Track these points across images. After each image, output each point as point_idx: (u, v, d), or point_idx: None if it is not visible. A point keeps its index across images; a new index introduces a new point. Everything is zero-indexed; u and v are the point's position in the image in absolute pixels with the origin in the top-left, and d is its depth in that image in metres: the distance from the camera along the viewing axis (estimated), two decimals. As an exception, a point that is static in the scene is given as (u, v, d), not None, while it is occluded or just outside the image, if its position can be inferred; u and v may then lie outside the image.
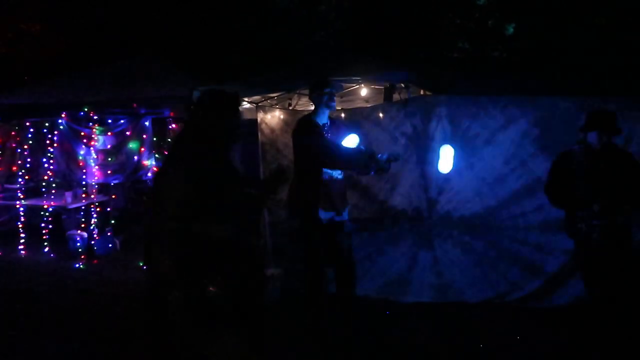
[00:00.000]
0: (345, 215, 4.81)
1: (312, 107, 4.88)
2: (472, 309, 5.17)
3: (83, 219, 8.00)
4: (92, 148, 7.67)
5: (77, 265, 7.21)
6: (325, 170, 4.68)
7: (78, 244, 7.66)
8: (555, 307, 5.06)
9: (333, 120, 4.88)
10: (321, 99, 4.67)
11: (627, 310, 4.13)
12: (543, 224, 5.15)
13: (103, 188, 8.31)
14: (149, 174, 7.96)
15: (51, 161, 7.87)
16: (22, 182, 8.08)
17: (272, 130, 6.50)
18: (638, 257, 4.25)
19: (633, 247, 4.16)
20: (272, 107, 6.68)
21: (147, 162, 7.88)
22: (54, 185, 7.92)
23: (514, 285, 5.28)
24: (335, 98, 4.78)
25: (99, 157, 7.78)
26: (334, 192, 4.70)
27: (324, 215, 4.74)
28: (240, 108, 3.02)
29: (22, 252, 7.78)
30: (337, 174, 4.73)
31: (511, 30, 13.71)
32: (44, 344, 4.68)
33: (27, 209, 8.01)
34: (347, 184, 4.92)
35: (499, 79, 6.63)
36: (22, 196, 8.02)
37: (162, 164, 3.04)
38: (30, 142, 8.02)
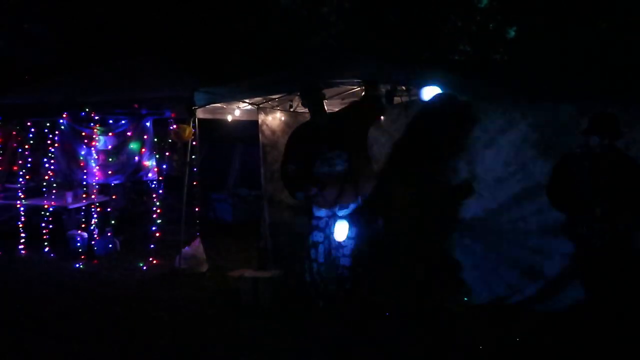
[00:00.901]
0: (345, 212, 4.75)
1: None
2: (471, 312, 5.17)
3: (83, 219, 8.01)
4: (93, 148, 7.67)
5: (77, 266, 7.22)
6: (322, 165, 4.70)
7: (78, 244, 7.67)
8: (555, 311, 5.04)
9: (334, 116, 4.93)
10: (309, 105, 4.80)
11: (627, 314, 4.13)
12: (543, 228, 5.14)
13: (104, 188, 8.31)
14: (150, 175, 7.96)
15: (52, 161, 7.88)
16: (22, 182, 8.09)
17: (273, 131, 6.51)
18: (638, 261, 4.25)
19: (633, 251, 4.16)
20: (273, 109, 6.69)
21: (147, 163, 7.86)
22: (54, 185, 7.92)
23: (514, 288, 5.27)
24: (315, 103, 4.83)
25: (100, 158, 7.78)
26: (329, 188, 4.69)
27: (317, 212, 4.74)
28: (470, 116, 2.96)
29: (23, 251, 7.80)
30: (338, 169, 4.71)
31: (512, 33, 13.70)
32: (44, 344, 4.69)
33: (28, 208, 8.02)
34: (352, 180, 4.72)
35: (500, 82, 6.63)
36: (22, 196, 8.03)
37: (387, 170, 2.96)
38: (31, 142, 8.03)
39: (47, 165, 7.90)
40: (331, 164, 4.71)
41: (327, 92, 6.09)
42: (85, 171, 7.83)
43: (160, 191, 7.87)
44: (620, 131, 4.16)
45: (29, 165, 8.09)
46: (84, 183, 7.99)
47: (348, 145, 4.74)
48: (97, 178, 7.82)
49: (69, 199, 7.97)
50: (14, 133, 8.21)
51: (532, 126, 5.21)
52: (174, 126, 6.98)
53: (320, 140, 4.77)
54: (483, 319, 5.03)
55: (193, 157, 7.01)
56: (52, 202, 7.83)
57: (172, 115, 7.31)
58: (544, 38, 12.06)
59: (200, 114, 6.85)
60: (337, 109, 6.59)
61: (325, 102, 4.98)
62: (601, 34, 11.41)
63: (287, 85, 6.10)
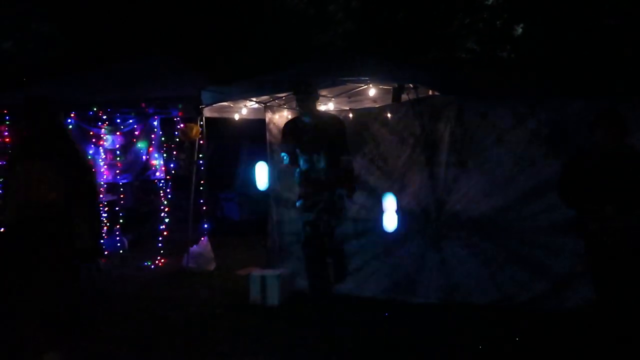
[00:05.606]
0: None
1: (321, 107, 4.92)
2: (479, 311, 5.12)
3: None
4: (100, 147, 7.70)
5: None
6: (303, 161, 4.89)
7: (86, 243, 7.67)
8: (564, 310, 5.00)
9: (320, 119, 4.97)
10: (298, 101, 4.88)
11: (637, 314, 4.08)
12: (552, 226, 5.09)
13: (111, 187, 8.34)
14: (157, 174, 7.98)
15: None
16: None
17: (280, 130, 6.49)
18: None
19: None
20: (280, 107, 6.68)
21: (155, 162, 7.90)
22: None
23: (522, 287, 5.23)
24: (299, 100, 4.90)
25: (108, 157, 7.81)
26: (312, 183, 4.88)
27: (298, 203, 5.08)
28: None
29: (31, 250, 7.81)
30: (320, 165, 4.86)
31: (520, 30, 13.65)
32: (51, 343, 4.68)
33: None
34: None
35: (508, 80, 6.60)
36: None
37: None
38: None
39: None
40: (310, 160, 4.89)
41: (335, 90, 6.10)
42: (93, 170, 7.85)
43: (168, 190, 7.89)
44: (627, 127, 4.10)
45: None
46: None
47: (326, 149, 4.85)
48: (105, 177, 7.84)
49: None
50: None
51: (541, 123, 5.17)
52: (182, 125, 7.00)
53: (303, 139, 4.90)
54: (491, 318, 4.99)
55: (200, 155, 7.02)
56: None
57: (180, 114, 7.32)
58: (551, 35, 12.00)
59: (207, 112, 6.86)
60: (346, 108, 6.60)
61: (317, 101, 5.09)
62: (609, 30, 11.33)
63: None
